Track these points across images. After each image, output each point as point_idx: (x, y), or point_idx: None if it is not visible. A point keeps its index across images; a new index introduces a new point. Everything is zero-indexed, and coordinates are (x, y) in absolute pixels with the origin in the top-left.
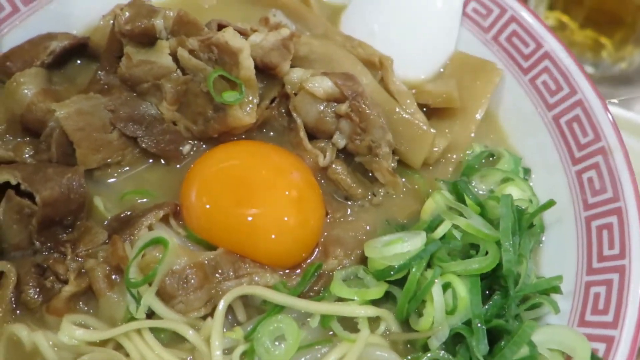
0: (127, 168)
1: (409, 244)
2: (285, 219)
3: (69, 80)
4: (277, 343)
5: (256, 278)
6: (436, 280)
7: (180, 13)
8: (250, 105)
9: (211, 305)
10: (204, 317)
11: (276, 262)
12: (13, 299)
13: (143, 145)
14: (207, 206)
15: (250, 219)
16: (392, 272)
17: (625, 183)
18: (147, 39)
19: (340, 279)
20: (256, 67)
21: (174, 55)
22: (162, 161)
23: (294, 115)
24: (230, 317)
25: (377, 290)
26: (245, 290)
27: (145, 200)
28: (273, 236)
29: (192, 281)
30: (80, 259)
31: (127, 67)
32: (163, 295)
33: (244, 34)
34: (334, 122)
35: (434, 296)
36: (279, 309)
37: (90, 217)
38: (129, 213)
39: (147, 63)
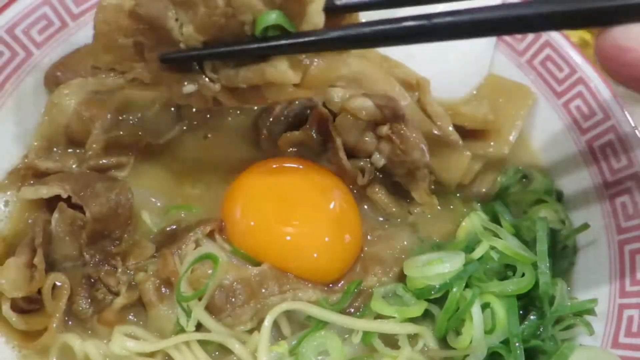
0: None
1: (450, 265)
2: (327, 238)
3: (113, 91)
4: (320, 358)
5: (299, 294)
6: (476, 300)
7: None
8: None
9: (257, 319)
10: (250, 331)
11: (318, 278)
12: (65, 310)
13: (147, 70)
14: (252, 223)
15: (292, 237)
16: (432, 292)
17: None
18: None
19: (380, 296)
20: None
21: None
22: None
23: (334, 134)
24: (274, 332)
25: (417, 308)
26: (291, 306)
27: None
28: (315, 254)
29: (240, 296)
30: (130, 272)
31: None
32: (212, 309)
33: None
34: (374, 143)
35: (474, 315)
36: (323, 324)
37: (136, 230)
38: (174, 227)
39: None
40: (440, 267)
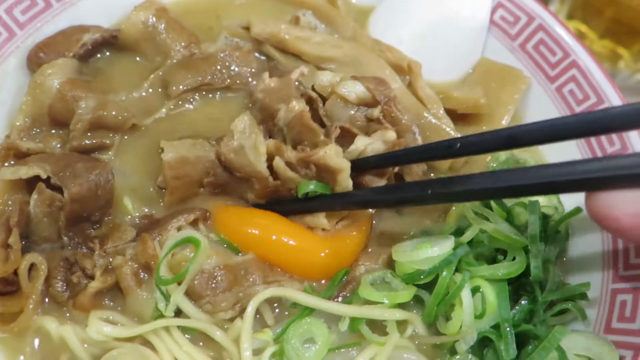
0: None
1: (438, 248)
2: (322, 254)
3: (97, 72)
4: (306, 345)
5: (285, 285)
6: (466, 284)
7: (302, 113)
8: None
9: (239, 308)
10: (232, 320)
11: (305, 275)
12: (43, 292)
13: None
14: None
15: (284, 232)
16: (422, 276)
17: None
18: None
19: (369, 282)
20: None
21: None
22: None
23: (324, 120)
24: (258, 321)
25: (406, 293)
26: (275, 292)
27: None
28: (306, 253)
29: (221, 282)
30: (107, 256)
31: (227, 149)
32: (191, 294)
33: (349, 133)
34: (365, 127)
35: (464, 300)
36: (309, 311)
37: (118, 214)
38: (156, 213)
39: (244, 158)
40: (429, 251)
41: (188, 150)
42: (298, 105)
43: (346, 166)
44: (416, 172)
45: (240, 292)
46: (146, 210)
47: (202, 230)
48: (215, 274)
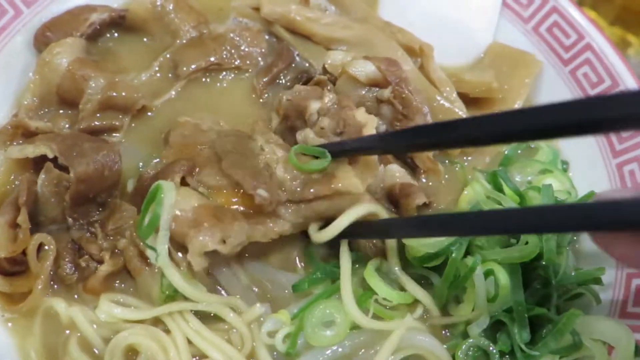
0: None
1: None
2: None
3: (105, 53)
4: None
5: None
6: (478, 267)
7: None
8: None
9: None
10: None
11: None
12: (51, 273)
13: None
14: None
15: None
16: (431, 259)
17: None
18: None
19: (374, 268)
20: None
21: None
22: None
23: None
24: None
25: (404, 296)
26: (369, 209)
27: None
28: None
29: (200, 220)
30: (110, 238)
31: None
32: (177, 237)
33: None
34: (375, 107)
35: (476, 282)
36: (328, 294)
37: (123, 196)
38: (144, 183)
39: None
40: None
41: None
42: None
43: (372, 120)
44: (426, 155)
45: (222, 229)
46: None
47: (192, 183)
48: (193, 214)
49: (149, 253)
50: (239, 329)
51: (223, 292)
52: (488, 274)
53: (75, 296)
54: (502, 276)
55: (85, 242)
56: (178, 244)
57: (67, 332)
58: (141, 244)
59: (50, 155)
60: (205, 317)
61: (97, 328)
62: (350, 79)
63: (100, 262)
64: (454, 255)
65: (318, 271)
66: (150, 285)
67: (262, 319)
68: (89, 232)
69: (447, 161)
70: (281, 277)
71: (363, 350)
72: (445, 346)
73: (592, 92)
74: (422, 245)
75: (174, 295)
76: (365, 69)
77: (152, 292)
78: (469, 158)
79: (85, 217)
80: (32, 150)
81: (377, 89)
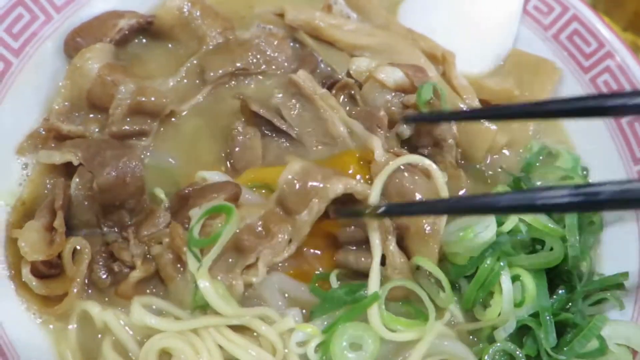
0: None
1: (482, 236)
2: None
3: (133, 58)
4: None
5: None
6: (505, 272)
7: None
8: None
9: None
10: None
11: None
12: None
13: None
14: None
15: None
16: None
17: None
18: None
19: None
20: None
21: None
22: None
23: (360, 104)
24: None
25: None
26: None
27: None
28: None
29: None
30: (143, 244)
31: None
32: (241, 250)
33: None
34: (400, 113)
35: (503, 286)
36: (354, 314)
37: (153, 202)
38: (188, 190)
39: None
40: (477, 236)
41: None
42: None
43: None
44: (449, 160)
45: (290, 225)
46: None
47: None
48: (257, 225)
49: (190, 262)
50: (271, 339)
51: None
52: (515, 279)
53: (107, 299)
54: (529, 281)
55: (117, 248)
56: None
57: (100, 335)
58: (185, 249)
59: (75, 163)
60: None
61: (131, 331)
62: (377, 84)
63: (132, 267)
64: (488, 261)
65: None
66: (183, 294)
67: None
68: (122, 237)
69: (469, 167)
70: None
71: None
72: (472, 350)
73: None
74: (467, 250)
75: (205, 305)
76: (393, 75)
77: (184, 300)
78: (488, 164)
79: (120, 224)
80: (58, 157)
81: (403, 94)
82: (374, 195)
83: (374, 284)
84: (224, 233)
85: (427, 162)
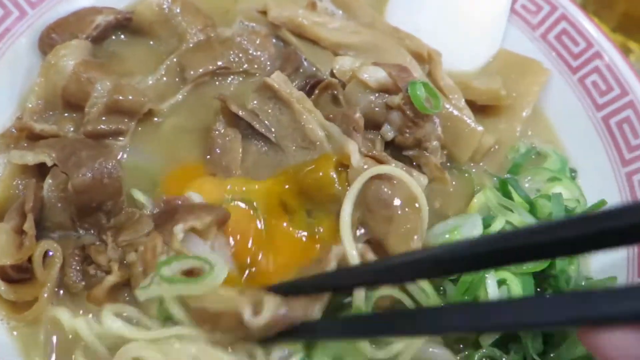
0: None
1: (469, 229)
2: None
3: (111, 56)
4: None
5: None
6: (491, 275)
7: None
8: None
9: None
10: None
11: None
12: (57, 279)
13: None
14: None
15: None
16: None
17: None
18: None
19: None
20: None
21: None
22: None
23: (343, 104)
24: None
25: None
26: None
27: None
28: None
29: None
30: (120, 249)
31: None
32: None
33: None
34: (384, 114)
35: (489, 290)
36: None
37: (133, 204)
38: (178, 202)
39: None
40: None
41: None
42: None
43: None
44: (434, 162)
45: None
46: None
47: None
48: None
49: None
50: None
51: None
52: (501, 283)
53: (82, 306)
54: (515, 286)
55: (94, 251)
56: None
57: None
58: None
59: (49, 164)
60: None
61: (102, 339)
62: (360, 84)
63: (108, 272)
64: None
65: None
66: (147, 307)
67: None
68: (100, 239)
69: (455, 169)
70: None
71: None
72: (457, 357)
73: (601, 101)
74: None
75: (170, 316)
76: (376, 75)
77: (150, 311)
78: (476, 164)
79: (97, 226)
80: (32, 157)
81: (387, 95)
82: (347, 205)
83: (359, 300)
84: (199, 287)
85: (398, 173)
